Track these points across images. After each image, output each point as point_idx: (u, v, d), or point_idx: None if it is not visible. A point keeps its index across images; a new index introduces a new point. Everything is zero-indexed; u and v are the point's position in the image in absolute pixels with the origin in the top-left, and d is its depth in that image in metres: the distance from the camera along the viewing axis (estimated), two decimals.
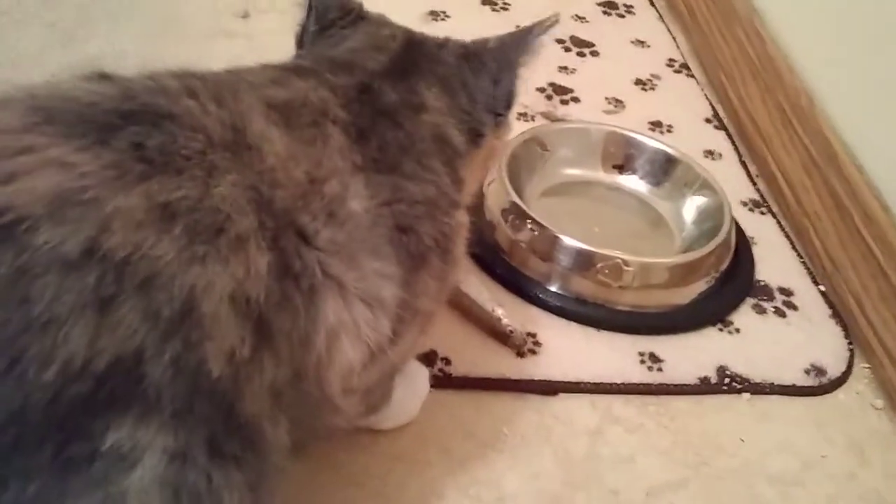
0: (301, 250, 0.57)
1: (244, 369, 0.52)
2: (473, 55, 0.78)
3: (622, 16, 1.49)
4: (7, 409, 0.45)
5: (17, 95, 0.55)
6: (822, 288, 1.06)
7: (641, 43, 1.44)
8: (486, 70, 0.78)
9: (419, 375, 0.84)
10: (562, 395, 0.90)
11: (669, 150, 1.12)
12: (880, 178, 1.04)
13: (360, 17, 0.78)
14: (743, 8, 1.33)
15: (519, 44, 0.79)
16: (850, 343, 1.01)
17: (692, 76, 1.39)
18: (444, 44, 0.79)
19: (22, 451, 0.45)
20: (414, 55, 0.76)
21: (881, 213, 1.01)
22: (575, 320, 0.96)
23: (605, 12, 1.49)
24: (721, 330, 0.98)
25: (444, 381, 0.88)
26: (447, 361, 0.89)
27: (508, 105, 0.80)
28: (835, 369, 0.97)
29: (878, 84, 1.08)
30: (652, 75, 1.36)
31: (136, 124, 0.54)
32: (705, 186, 1.08)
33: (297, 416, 0.58)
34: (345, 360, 0.59)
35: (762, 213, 1.15)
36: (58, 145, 0.51)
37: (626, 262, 0.95)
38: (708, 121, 1.30)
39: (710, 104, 1.33)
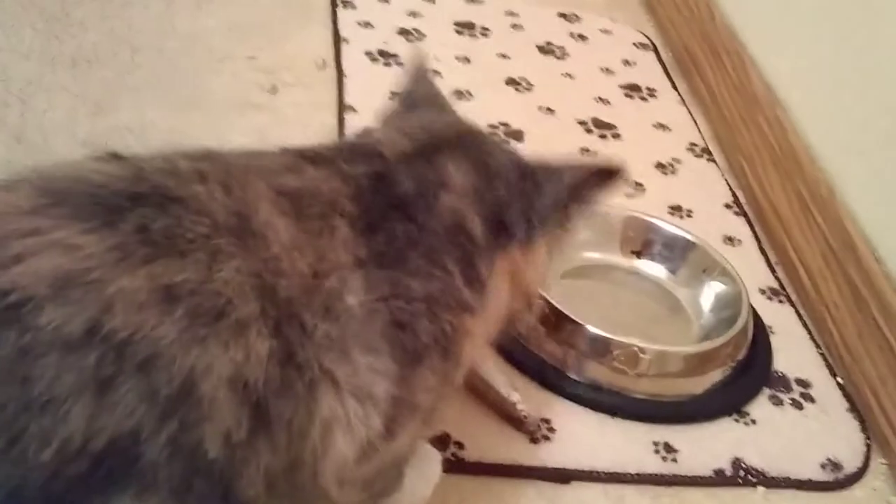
0: (304, 341, 0.57)
1: (241, 452, 0.53)
2: (524, 161, 0.77)
3: (644, 99, 1.51)
4: (6, 487, 0.46)
5: (29, 176, 0.57)
6: (840, 380, 1.06)
7: (663, 126, 1.45)
8: (532, 173, 0.76)
9: (431, 460, 0.84)
10: (575, 484, 0.89)
11: (688, 236, 1.12)
12: None
13: (428, 103, 0.80)
14: (765, 96, 1.34)
15: (578, 177, 0.76)
16: (867, 437, 1.00)
17: (713, 161, 1.40)
18: (497, 139, 0.78)
19: None
20: (453, 136, 0.76)
21: None
22: (590, 407, 0.96)
23: (627, 95, 1.51)
24: (737, 421, 0.98)
25: (456, 466, 0.87)
26: (460, 446, 0.89)
27: (543, 220, 0.76)
28: (851, 464, 0.96)
29: None
30: (673, 159, 1.37)
31: (143, 206, 0.55)
32: (724, 273, 1.08)
33: None
34: (337, 453, 0.60)
35: (780, 302, 1.15)
36: (64, 227, 0.52)
37: (642, 350, 0.95)
38: (728, 206, 1.31)
39: (731, 189, 1.34)
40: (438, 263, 0.68)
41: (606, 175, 0.76)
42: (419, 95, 0.83)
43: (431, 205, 0.70)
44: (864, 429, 1.01)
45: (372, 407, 0.61)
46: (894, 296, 1.02)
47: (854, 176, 1.15)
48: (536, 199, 0.75)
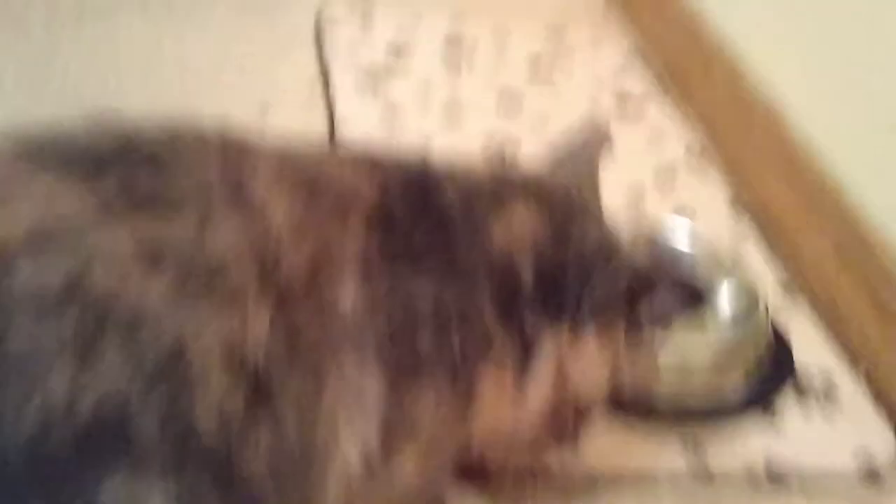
0: (308, 323, 0.54)
1: (237, 426, 0.49)
2: (612, 239, 0.73)
3: (636, 109, 1.49)
4: None
5: (12, 134, 0.54)
6: (861, 373, 1.04)
7: (657, 135, 1.43)
8: (609, 251, 0.72)
9: None
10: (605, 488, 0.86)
11: (692, 250, 1.09)
12: None
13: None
14: (758, 96, 1.34)
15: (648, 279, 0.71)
16: None
17: (710, 165, 1.38)
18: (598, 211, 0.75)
19: None
20: (540, 186, 0.72)
21: None
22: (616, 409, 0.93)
23: (618, 106, 1.49)
24: (766, 418, 0.95)
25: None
26: None
27: (596, 306, 0.69)
28: (884, 457, 0.94)
29: None
30: (670, 165, 1.35)
31: (130, 164, 0.53)
32: (736, 272, 1.06)
33: None
34: (343, 456, 0.56)
35: (793, 300, 1.13)
36: (42, 179, 0.49)
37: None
38: (730, 207, 1.29)
39: (731, 190, 1.32)
40: (462, 283, 0.64)
41: (684, 295, 0.72)
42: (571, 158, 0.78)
43: (477, 230, 0.66)
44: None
45: (362, 412, 0.57)
46: None
47: (858, 166, 1.14)
48: (595, 278, 0.69)
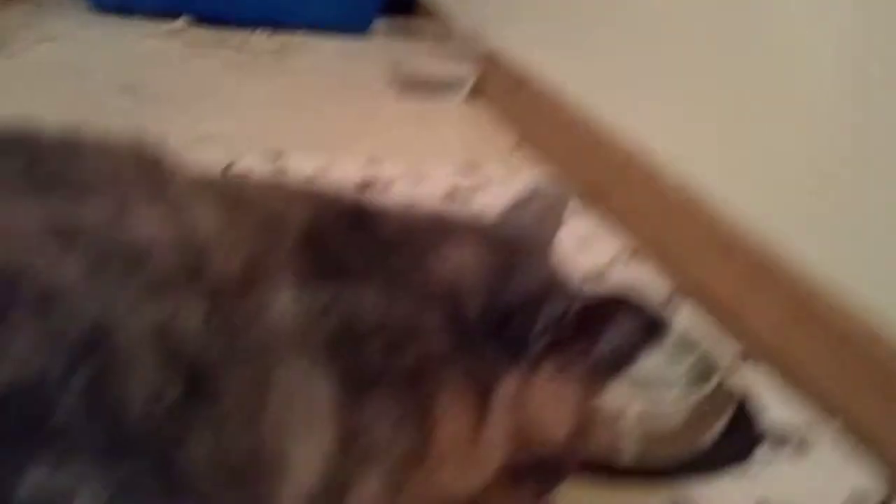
0: (243, 324, 0.49)
1: (176, 414, 0.43)
2: (559, 275, 0.69)
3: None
4: None
5: None
6: (833, 421, 0.98)
7: (586, 243, 1.41)
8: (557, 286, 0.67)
9: None
10: None
11: None
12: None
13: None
14: (677, 190, 1.34)
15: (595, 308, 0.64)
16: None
17: (644, 263, 1.36)
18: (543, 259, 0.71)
19: None
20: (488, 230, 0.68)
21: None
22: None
23: None
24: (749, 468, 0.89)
25: None
26: None
27: (542, 343, 0.62)
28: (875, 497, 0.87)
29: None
30: (603, 268, 1.33)
31: (37, 150, 0.48)
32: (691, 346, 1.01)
33: None
34: (295, 466, 0.49)
35: (752, 365, 1.08)
36: None
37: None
38: (671, 295, 1.26)
39: (670, 281, 1.30)
40: (409, 302, 0.58)
41: (645, 323, 0.65)
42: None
43: (418, 259, 0.61)
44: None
45: (315, 422, 0.50)
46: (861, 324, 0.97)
47: (791, 232, 1.13)
48: (546, 312, 0.63)
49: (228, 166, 1.40)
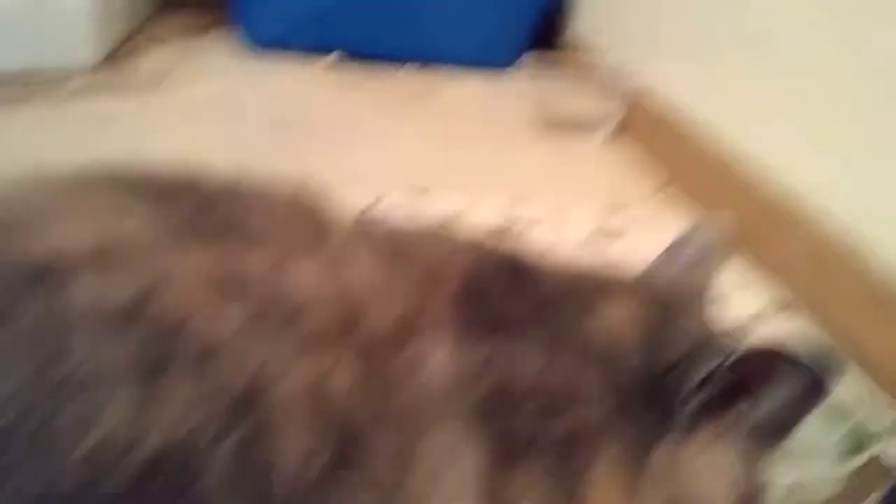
0: (395, 385, 0.48)
1: (327, 478, 0.42)
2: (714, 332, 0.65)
3: None
4: (29, 495, 0.35)
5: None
6: None
7: None
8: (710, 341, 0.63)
9: None
10: None
11: None
12: None
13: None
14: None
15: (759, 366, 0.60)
16: None
17: (797, 315, 1.30)
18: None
19: None
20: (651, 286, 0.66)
21: None
22: None
23: None
24: None
25: None
26: None
27: (689, 408, 0.59)
28: None
29: None
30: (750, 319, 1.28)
31: (202, 197, 0.49)
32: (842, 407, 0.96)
33: None
34: None
35: None
36: (114, 200, 0.46)
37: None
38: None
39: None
40: (569, 362, 0.57)
41: (808, 381, 0.60)
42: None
43: (577, 317, 0.59)
44: None
45: (459, 486, 0.49)
46: None
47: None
48: (698, 369, 0.59)
49: (374, 203, 1.42)
